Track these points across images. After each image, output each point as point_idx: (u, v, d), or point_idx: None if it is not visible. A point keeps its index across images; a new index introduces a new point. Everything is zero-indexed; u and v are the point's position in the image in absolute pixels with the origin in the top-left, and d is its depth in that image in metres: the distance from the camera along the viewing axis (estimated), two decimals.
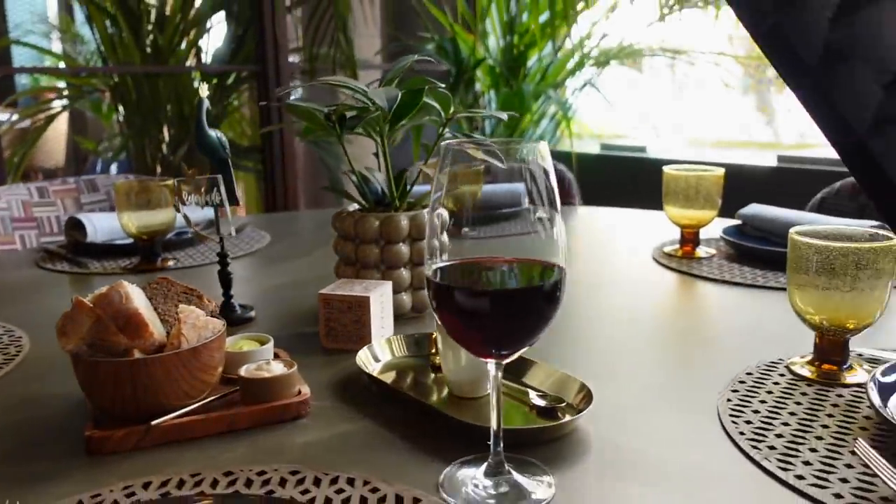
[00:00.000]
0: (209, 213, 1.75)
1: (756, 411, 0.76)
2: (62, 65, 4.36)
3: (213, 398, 0.78)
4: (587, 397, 0.76)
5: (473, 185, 1.67)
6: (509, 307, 0.58)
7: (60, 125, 6.20)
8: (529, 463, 0.67)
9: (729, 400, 0.79)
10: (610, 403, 0.79)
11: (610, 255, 1.58)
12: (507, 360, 0.61)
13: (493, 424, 0.63)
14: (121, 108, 3.14)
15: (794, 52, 0.72)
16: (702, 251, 1.41)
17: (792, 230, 0.85)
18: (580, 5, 3.08)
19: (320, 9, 2.85)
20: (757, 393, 0.81)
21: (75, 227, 1.51)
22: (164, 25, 2.80)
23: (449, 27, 3.09)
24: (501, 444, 0.64)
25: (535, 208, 0.61)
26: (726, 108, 3.86)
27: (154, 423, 0.71)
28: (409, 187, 1.09)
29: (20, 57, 4.98)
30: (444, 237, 0.62)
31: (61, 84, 4.20)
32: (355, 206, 1.12)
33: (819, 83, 0.70)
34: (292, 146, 2.91)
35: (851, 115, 0.67)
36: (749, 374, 0.86)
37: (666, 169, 1.43)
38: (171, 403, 0.74)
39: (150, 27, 2.75)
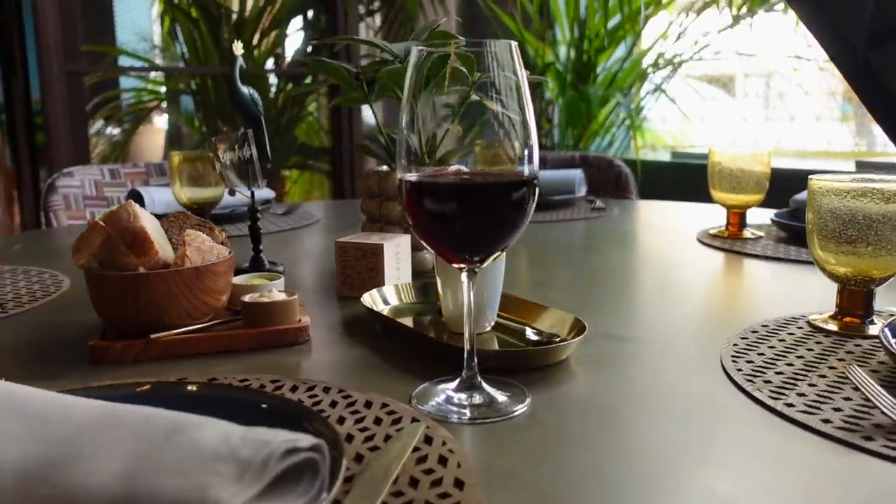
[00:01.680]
0: (263, 193, 1.81)
1: (761, 354, 0.73)
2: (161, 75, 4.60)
3: (215, 322, 0.80)
4: (581, 333, 0.74)
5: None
6: (475, 204, 0.58)
7: (158, 139, 6.54)
8: (506, 383, 0.66)
9: (735, 345, 0.76)
10: (612, 348, 0.78)
11: (655, 237, 1.55)
12: (477, 267, 0.61)
13: (466, 338, 0.63)
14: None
15: None
16: (748, 232, 1.36)
17: (811, 177, 0.82)
18: (650, 9, 3.04)
19: (393, 16, 2.92)
20: (767, 340, 0.77)
21: (136, 198, 1.58)
22: (242, 29, 2.94)
23: (518, 33, 3.10)
24: (475, 360, 0.64)
25: (503, 110, 0.58)
26: (808, 116, 3.72)
27: (153, 336, 0.74)
28: (437, 144, 1.10)
29: (125, 82, 5.30)
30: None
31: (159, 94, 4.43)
32: (384, 168, 1.14)
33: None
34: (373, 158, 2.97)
35: (849, 29, 0.64)
36: (764, 325, 0.82)
37: (712, 147, 1.39)
38: (173, 321, 0.76)
39: (227, 31, 2.88)
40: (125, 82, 5.17)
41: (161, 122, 6.72)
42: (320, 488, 0.40)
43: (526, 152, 0.58)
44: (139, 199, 1.57)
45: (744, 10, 2.86)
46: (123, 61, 4.69)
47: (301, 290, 1.00)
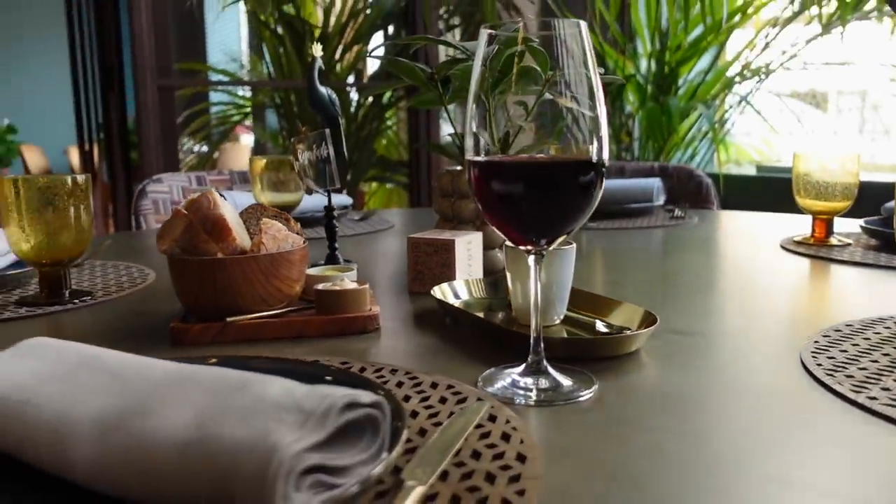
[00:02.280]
0: (341, 199, 1.85)
1: (843, 351, 0.70)
2: (247, 91, 4.79)
3: (289, 309, 0.82)
4: (652, 325, 0.73)
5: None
6: (542, 184, 0.58)
7: (243, 155, 6.78)
8: (573, 370, 0.65)
9: (816, 342, 0.73)
10: (685, 342, 0.76)
11: (736, 244, 1.51)
12: (545, 250, 0.61)
13: (533, 324, 0.62)
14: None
15: None
16: (835, 239, 1.31)
17: None
18: (736, 19, 2.97)
19: (472, 30, 2.95)
20: (851, 338, 0.74)
21: None
22: (325, 44, 3.01)
23: (598, 47, 3.08)
24: (542, 345, 0.63)
25: (573, 105, 0.58)
26: None
27: (230, 319, 0.77)
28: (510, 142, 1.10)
29: (214, 98, 5.53)
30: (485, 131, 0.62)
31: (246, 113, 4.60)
32: (458, 167, 1.14)
33: None
34: (438, 159, 3.01)
35: None
36: (849, 325, 0.79)
37: (797, 152, 1.35)
38: (249, 306, 0.79)
39: (311, 46, 2.96)
40: (214, 98, 5.39)
41: (246, 139, 6.96)
42: (380, 447, 0.41)
43: (595, 140, 0.58)
44: None
45: (834, 18, 2.76)
46: (212, 78, 4.90)
47: (374, 285, 1.01)
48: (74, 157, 7.47)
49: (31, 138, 8.24)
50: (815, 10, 2.78)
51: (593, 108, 0.58)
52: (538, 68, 1.15)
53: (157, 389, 0.43)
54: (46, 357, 0.50)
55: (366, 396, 0.40)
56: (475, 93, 0.62)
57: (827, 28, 2.77)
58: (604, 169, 0.59)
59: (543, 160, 0.59)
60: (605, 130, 0.59)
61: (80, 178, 0.95)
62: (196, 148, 4.63)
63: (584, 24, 0.59)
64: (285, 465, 0.34)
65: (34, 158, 8.21)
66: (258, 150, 5.86)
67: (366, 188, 3.84)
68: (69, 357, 0.50)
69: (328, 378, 0.52)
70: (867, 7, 2.71)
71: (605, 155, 0.59)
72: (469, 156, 0.61)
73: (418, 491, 0.42)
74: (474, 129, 0.62)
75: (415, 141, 3.04)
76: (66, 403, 0.44)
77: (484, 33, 0.60)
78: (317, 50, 1.09)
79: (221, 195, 1.61)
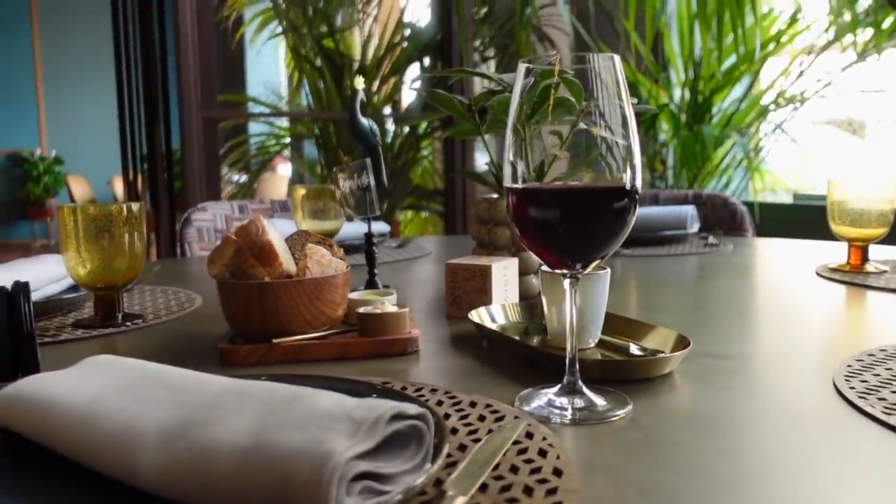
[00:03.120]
0: (379, 227, 1.89)
1: (877, 374, 0.71)
2: (285, 122, 4.91)
3: (332, 332, 0.85)
4: (685, 348, 0.74)
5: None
6: (576, 210, 0.60)
7: (282, 186, 6.90)
8: (608, 391, 0.67)
9: (849, 366, 0.74)
10: (719, 365, 0.77)
11: (770, 271, 1.51)
12: (580, 273, 0.63)
13: (568, 346, 0.65)
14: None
15: None
16: (871, 266, 1.31)
17: None
18: (770, 48, 2.98)
19: (507, 61, 3.00)
20: (884, 363, 0.75)
21: None
22: (363, 77, 3.10)
23: (632, 76, 3.11)
24: (577, 366, 0.65)
25: (608, 134, 0.61)
26: None
27: (276, 341, 0.80)
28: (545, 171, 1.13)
29: (254, 129, 5.67)
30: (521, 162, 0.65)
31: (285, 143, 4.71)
32: (494, 195, 1.17)
33: None
34: (473, 188, 3.05)
35: None
36: (883, 350, 0.79)
37: (831, 179, 1.35)
38: (294, 329, 0.82)
39: (349, 79, 3.05)
40: (253, 129, 5.52)
41: (283, 169, 7.08)
42: (424, 458, 0.43)
43: (628, 167, 0.60)
44: None
45: (870, 46, 2.76)
46: (253, 110, 5.02)
47: (413, 310, 1.04)
48: (119, 187, 7.68)
49: (77, 169, 8.50)
50: (850, 37, 2.78)
51: (626, 136, 0.61)
52: (573, 99, 1.18)
53: (215, 401, 0.46)
54: (111, 372, 0.54)
55: (412, 409, 0.42)
56: (513, 123, 0.65)
57: (862, 56, 2.76)
58: (637, 195, 0.61)
59: (579, 187, 0.62)
60: (637, 159, 0.61)
61: (135, 206, 1.00)
62: (235, 178, 4.75)
63: (617, 58, 0.62)
64: (339, 470, 0.37)
65: (79, 188, 8.45)
66: (296, 179, 5.96)
67: (401, 217, 3.90)
68: (132, 372, 0.53)
69: (373, 395, 0.54)
70: None
71: (639, 182, 0.61)
72: (507, 183, 0.63)
73: (460, 501, 0.44)
74: (511, 158, 0.65)
75: (450, 170, 3.09)
76: (131, 414, 0.47)
77: (522, 67, 0.63)
78: (359, 83, 1.13)
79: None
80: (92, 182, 8.57)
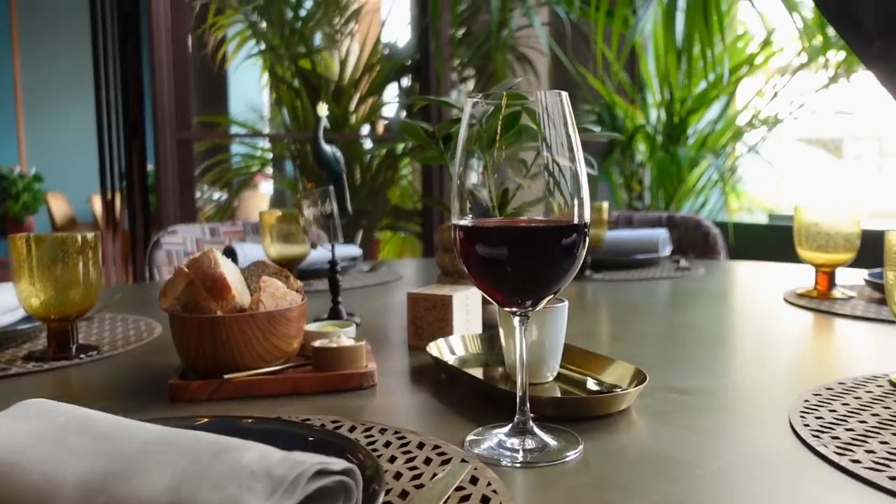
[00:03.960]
0: (350, 251, 1.87)
1: (833, 410, 0.70)
2: (267, 143, 4.90)
3: (287, 366, 0.84)
4: (642, 383, 0.73)
5: (597, 229, 1.67)
6: (523, 247, 0.59)
7: (262, 204, 6.87)
8: (560, 430, 0.66)
9: (806, 401, 0.73)
10: (677, 400, 0.76)
11: (739, 297, 1.51)
12: (530, 311, 0.62)
13: (518, 383, 0.63)
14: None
15: (860, 24, 0.70)
16: (838, 292, 1.31)
17: (888, 231, 0.79)
18: (744, 69, 3.01)
19: (484, 81, 3.00)
20: (841, 397, 0.74)
21: (230, 254, 1.67)
22: (340, 97, 3.09)
23: (608, 97, 3.13)
24: (528, 405, 0.64)
25: (551, 154, 0.60)
26: None
27: (227, 377, 0.78)
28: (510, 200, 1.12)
29: (235, 149, 5.65)
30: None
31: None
32: None
33: (885, 50, 0.68)
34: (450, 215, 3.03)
35: (865, 18, 0.63)
36: (841, 383, 0.79)
37: (798, 204, 1.35)
38: (247, 364, 0.80)
39: (326, 99, 3.04)
40: (234, 148, 5.50)
41: (265, 187, 7.06)
42: None
43: (576, 202, 0.60)
44: (233, 255, 1.66)
45: (842, 68, 2.79)
46: (232, 130, 5.00)
47: (375, 340, 1.03)
48: (98, 205, 7.62)
49: (56, 186, 8.42)
50: (822, 60, 2.81)
51: (574, 169, 0.60)
52: (535, 126, 1.17)
53: (140, 452, 0.45)
54: (39, 419, 0.52)
55: (338, 464, 0.41)
56: (463, 154, 0.64)
57: (835, 77, 2.79)
58: (586, 230, 0.61)
59: (525, 224, 0.61)
60: (586, 192, 0.61)
61: (90, 235, 0.98)
62: (216, 196, 4.72)
63: (564, 95, 0.61)
64: None
65: (59, 206, 8.38)
66: (277, 197, 5.94)
67: (381, 236, 3.89)
68: (61, 419, 0.51)
69: (311, 439, 0.53)
70: None
71: (587, 216, 0.61)
72: (454, 219, 0.62)
73: None
74: (469, 188, 0.64)
75: (428, 191, 3.08)
76: (51, 465, 0.45)
77: (469, 102, 0.63)
78: (322, 109, 1.13)
79: (232, 249, 1.64)
80: (71, 200, 8.49)
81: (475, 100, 0.62)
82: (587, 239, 0.61)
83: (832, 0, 0.70)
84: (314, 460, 0.40)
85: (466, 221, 0.61)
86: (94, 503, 0.42)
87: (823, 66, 2.81)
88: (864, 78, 2.92)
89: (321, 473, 0.40)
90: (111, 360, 0.98)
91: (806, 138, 3.78)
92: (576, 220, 0.60)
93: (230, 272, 0.83)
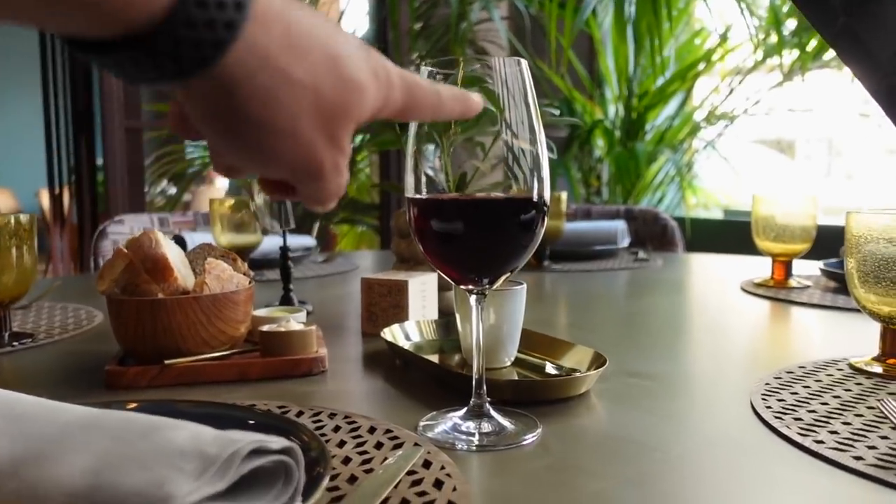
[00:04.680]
0: (304, 241, 1.83)
1: (794, 393, 0.69)
2: None
3: (234, 351, 0.80)
4: (601, 367, 0.71)
5: (555, 220, 1.64)
6: (480, 222, 0.57)
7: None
8: (518, 413, 0.63)
9: (767, 384, 0.72)
10: (637, 384, 0.75)
11: (697, 287, 1.51)
12: (487, 289, 0.59)
13: (475, 365, 0.61)
14: None
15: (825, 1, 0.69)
16: (794, 282, 1.31)
17: (849, 212, 0.78)
18: (700, 66, 3.03)
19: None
20: (803, 380, 0.73)
21: (179, 243, 1.61)
22: None
23: (567, 92, 3.12)
24: (484, 388, 0.61)
25: (512, 132, 0.57)
26: (867, 174, 3.63)
27: (168, 362, 0.74)
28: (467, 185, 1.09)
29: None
30: (431, 171, 0.61)
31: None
32: None
33: (850, 25, 0.66)
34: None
35: (880, 52, 0.62)
36: (802, 367, 0.78)
37: (756, 194, 1.35)
38: (190, 349, 0.76)
39: None
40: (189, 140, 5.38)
41: (221, 182, 6.93)
42: (293, 496, 0.38)
43: (535, 178, 0.57)
44: (182, 243, 1.60)
45: (795, 67, 2.82)
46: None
47: (327, 328, 0.99)
48: (45, 199, 7.40)
49: (1, 181, 8.16)
50: (776, 59, 2.84)
51: (534, 145, 0.57)
52: (493, 108, 1.14)
53: (61, 434, 0.41)
54: None
55: (276, 443, 0.38)
56: (417, 130, 0.61)
57: (789, 76, 2.83)
58: (545, 207, 0.58)
59: (482, 198, 0.58)
60: (546, 170, 0.58)
61: (24, 217, 0.93)
62: (169, 191, 4.60)
63: (524, 63, 0.58)
64: None
65: (5, 201, 8.11)
66: (233, 192, 5.83)
67: (337, 230, 3.83)
68: None
69: (251, 422, 0.50)
70: (827, 56, 2.78)
71: (546, 193, 0.58)
72: (409, 193, 0.59)
73: None
74: (426, 171, 0.61)
75: (385, 180, 3.04)
76: None
77: (424, 70, 0.59)
78: None
79: (181, 237, 1.58)
80: (18, 194, 8.24)
81: (430, 69, 0.59)
82: (546, 217, 0.59)
83: None
84: (250, 438, 0.37)
85: (421, 195, 0.58)
86: (4, 489, 0.38)
87: (778, 65, 2.84)
88: (817, 77, 2.96)
89: (258, 452, 0.37)
90: (46, 347, 0.92)
91: (759, 139, 3.84)
92: (535, 196, 0.57)
93: (172, 253, 0.79)
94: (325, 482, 0.42)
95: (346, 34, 0.39)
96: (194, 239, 1.61)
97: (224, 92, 0.34)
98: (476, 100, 0.50)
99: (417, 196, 0.58)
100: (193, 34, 0.31)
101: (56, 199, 4.62)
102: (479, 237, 0.57)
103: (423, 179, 0.60)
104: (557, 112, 1.07)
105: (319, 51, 0.36)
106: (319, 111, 0.37)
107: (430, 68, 0.60)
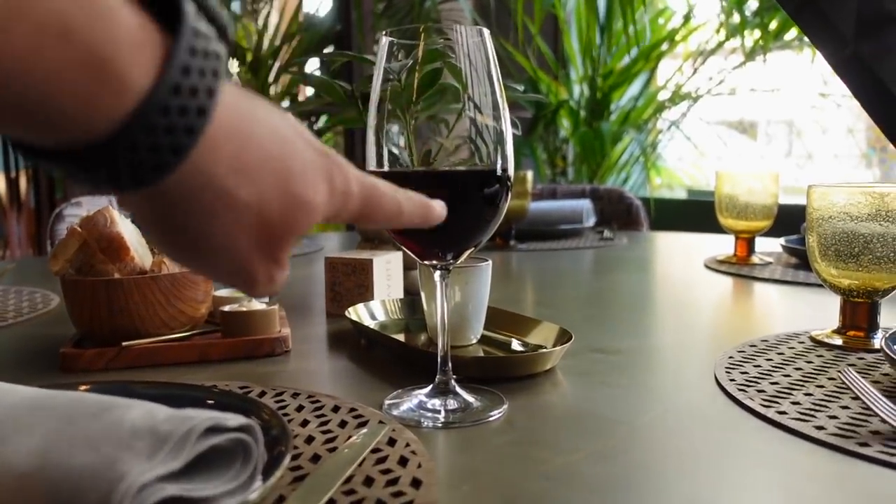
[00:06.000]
0: None
1: (757, 366, 0.69)
2: None
3: (193, 332, 0.78)
4: (567, 343, 0.71)
5: (520, 199, 1.64)
6: (443, 195, 0.55)
7: None
8: (484, 390, 0.63)
9: (730, 357, 0.72)
10: (602, 360, 0.75)
11: (661, 264, 1.52)
12: (451, 265, 0.59)
13: (440, 342, 0.60)
14: None
15: (834, 28, 0.68)
16: (757, 258, 1.33)
17: (810, 185, 0.79)
18: (664, 47, 3.04)
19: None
20: (765, 353, 0.73)
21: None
22: (258, 68, 2.98)
23: (532, 72, 3.11)
24: (449, 365, 0.61)
25: (471, 104, 0.56)
26: (827, 155, 3.69)
27: (125, 344, 0.72)
28: (432, 162, 1.08)
29: None
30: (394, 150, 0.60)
31: None
32: None
33: (858, 56, 0.66)
34: None
35: (838, 22, 0.62)
36: (764, 340, 0.78)
37: (719, 171, 1.36)
38: (148, 330, 0.74)
39: (243, 70, 2.93)
40: None
41: None
42: (252, 475, 0.37)
43: (499, 151, 0.56)
44: None
45: (757, 48, 2.84)
46: None
47: (291, 308, 0.98)
48: (1, 183, 7.21)
49: None
50: (739, 39, 2.86)
51: (497, 120, 0.57)
52: (457, 84, 1.12)
53: (6, 416, 0.39)
54: None
55: (233, 420, 0.36)
56: (378, 102, 0.60)
57: (750, 56, 2.85)
58: (509, 181, 0.57)
59: (445, 171, 0.57)
60: (510, 144, 0.57)
61: None
62: None
63: (486, 32, 0.57)
64: (129, 497, 0.31)
65: None
66: None
67: None
68: None
69: (210, 402, 0.48)
70: (788, 37, 2.80)
71: (510, 166, 0.57)
72: (371, 167, 0.58)
73: None
74: (390, 148, 0.60)
75: (350, 159, 2.99)
76: None
77: (385, 41, 0.58)
78: (231, 66, 1.06)
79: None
80: None
81: (390, 39, 0.58)
82: (510, 192, 0.58)
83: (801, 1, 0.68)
84: (205, 416, 0.36)
85: (383, 170, 0.57)
86: None
87: (740, 45, 2.86)
88: (779, 59, 2.99)
89: (214, 430, 0.36)
90: (0, 331, 0.89)
91: (722, 120, 3.87)
92: (498, 170, 0.56)
93: (129, 232, 0.77)
94: (287, 461, 0.41)
95: (305, 140, 0.38)
96: None
97: (165, 204, 0.33)
98: (438, 210, 0.48)
99: (379, 170, 0.57)
100: (139, 156, 0.29)
101: (12, 183, 4.50)
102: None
103: (386, 154, 0.59)
104: (521, 88, 1.07)
105: (270, 169, 0.35)
106: (261, 230, 0.35)
107: (391, 38, 0.58)
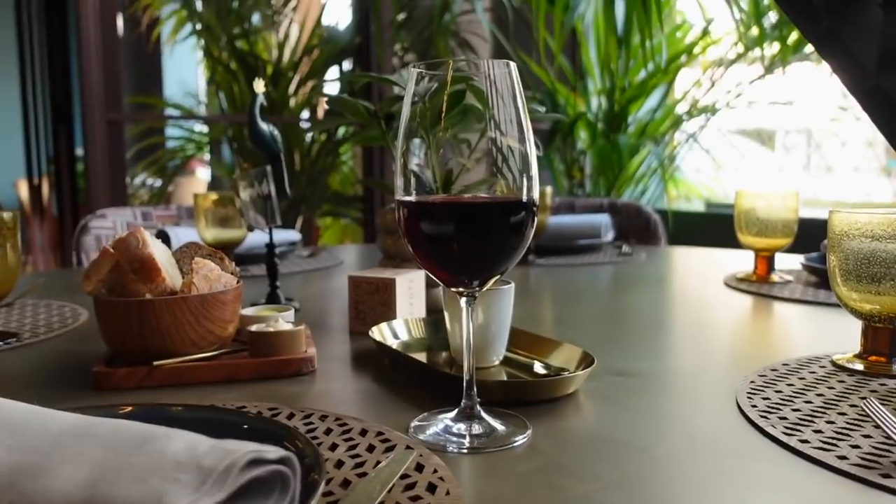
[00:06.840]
0: (289, 235, 1.82)
1: (779, 391, 0.70)
2: (204, 128, 4.75)
3: (222, 352, 0.79)
4: (589, 366, 0.72)
5: (540, 214, 1.65)
6: (470, 225, 0.57)
7: (201, 190, 6.69)
8: (508, 414, 0.64)
9: (752, 382, 0.73)
10: (624, 383, 0.75)
11: (680, 281, 1.52)
12: (477, 291, 0.60)
13: (465, 367, 0.61)
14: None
15: (809, 2, 0.69)
16: (776, 276, 1.33)
17: (831, 211, 0.79)
18: (681, 60, 3.04)
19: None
20: (786, 378, 0.74)
21: (163, 238, 1.60)
22: (279, 80, 3.01)
23: (550, 84, 3.13)
24: (475, 389, 0.62)
25: (501, 136, 0.58)
26: (846, 168, 3.67)
27: (156, 363, 0.74)
28: (453, 181, 1.09)
29: (170, 132, 5.47)
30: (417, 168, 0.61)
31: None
32: None
33: (834, 28, 0.67)
34: (392, 196, 2.99)
35: (862, 54, 0.63)
36: (785, 364, 0.79)
37: (739, 189, 1.37)
38: (178, 349, 0.76)
39: (265, 82, 2.95)
40: (169, 131, 5.33)
41: (203, 173, 6.89)
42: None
43: (525, 179, 0.58)
44: (166, 239, 1.59)
45: (776, 60, 2.84)
46: (167, 112, 4.84)
47: (315, 325, 1.00)
48: (24, 190, 7.30)
49: None
50: (758, 51, 2.86)
51: (523, 144, 0.58)
52: (479, 106, 1.14)
53: (54, 445, 0.41)
54: None
55: (272, 452, 0.38)
56: (406, 131, 0.61)
57: (770, 69, 2.85)
58: (535, 208, 0.59)
59: (473, 200, 0.58)
60: (535, 169, 0.58)
61: (7, 215, 0.92)
62: (150, 182, 4.56)
63: (513, 65, 0.59)
64: None
65: None
66: (214, 184, 5.79)
67: (321, 223, 3.82)
68: None
69: (245, 427, 0.50)
70: (807, 49, 2.80)
71: (535, 194, 0.58)
72: (399, 196, 0.60)
73: None
74: (413, 168, 0.61)
75: (369, 175, 3.03)
76: None
77: (413, 72, 0.60)
78: (258, 86, 1.08)
79: (164, 232, 1.58)
80: None
81: (419, 70, 0.59)
82: (536, 218, 0.59)
83: None
84: (246, 448, 0.37)
85: (411, 198, 0.58)
86: (2, 500, 0.38)
87: (759, 57, 2.86)
88: (797, 70, 2.99)
89: (255, 463, 0.37)
90: (32, 347, 0.92)
91: (740, 130, 3.87)
92: (524, 198, 0.57)
93: (160, 253, 0.79)
94: (321, 489, 0.42)
95: None
96: (178, 234, 1.60)
97: None
98: None
99: (407, 198, 0.58)
100: None
101: (35, 190, 4.57)
102: (469, 240, 0.57)
103: (412, 181, 0.60)
104: (542, 109, 1.08)
105: None
106: None
107: (419, 70, 0.60)
